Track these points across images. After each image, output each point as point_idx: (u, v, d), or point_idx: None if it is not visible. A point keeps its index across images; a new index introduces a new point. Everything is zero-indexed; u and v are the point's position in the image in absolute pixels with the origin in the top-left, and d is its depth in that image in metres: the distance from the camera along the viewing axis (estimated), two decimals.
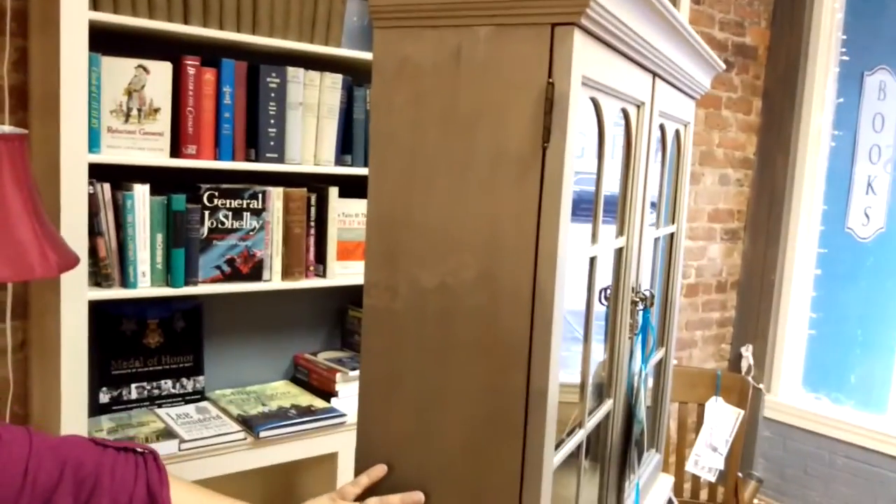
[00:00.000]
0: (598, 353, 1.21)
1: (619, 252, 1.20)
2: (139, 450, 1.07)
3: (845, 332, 3.70)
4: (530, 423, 0.89)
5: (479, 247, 0.91)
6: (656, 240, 1.48)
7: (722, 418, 2.49)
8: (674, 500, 1.59)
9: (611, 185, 1.15)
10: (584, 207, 1.06)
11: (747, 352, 3.77)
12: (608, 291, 1.21)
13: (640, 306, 1.20)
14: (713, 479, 2.48)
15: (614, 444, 1.23)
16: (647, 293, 1.21)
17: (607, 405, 1.19)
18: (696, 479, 2.64)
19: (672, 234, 1.55)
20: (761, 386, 3.71)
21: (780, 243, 3.70)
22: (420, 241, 0.94)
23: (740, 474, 2.57)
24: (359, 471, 1.00)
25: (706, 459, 2.47)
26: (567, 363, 0.94)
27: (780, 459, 3.71)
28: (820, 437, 3.56)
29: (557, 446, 0.98)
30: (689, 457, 2.49)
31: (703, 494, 2.67)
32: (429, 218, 0.94)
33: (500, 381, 0.90)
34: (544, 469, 0.89)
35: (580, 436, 1.07)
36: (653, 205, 1.38)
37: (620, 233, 1.20)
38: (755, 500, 3.59)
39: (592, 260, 1.08)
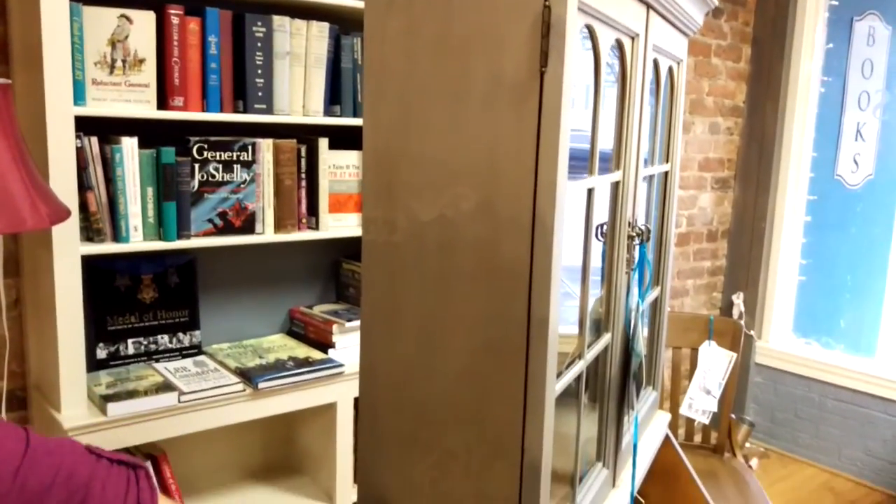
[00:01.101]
0: (596, 289, 1.21)
1: (615, 186, 1.19)
2: (132, 463, 1.06)
3: (835, 278, 3.73)
4: (532, 351, 0.89)
5: (478, 177, 0.90)
6: (650, 178, 1.48)
7: (715, 362, 2.52)
8: (671, 436, 1.61)
9: (605, 134, 1.14)
10: (579, 166, 1.05)
11: (738, 299, 3.80)
12: (604, 228, 1.21)
13: (637, 241, 1.20)
14: (706, 422, 2.51)
15: (613, 378, 1.24)
16: (643, 227, 1.21)
17: (605, 339, 1.20)
18: (690, 423, 2.68)
19: (666, 174, 1.55)
20: (752, 333, 3.75)
21: (770, 191, 3.71)
22: (417, 173, 0.94)
23: (733, 416, 2.61)
24: (363, 401, 1.00)
25: (700, 402, 2.51)
26: (562, 315, 0.94)
27: (770, 404, 3.77)
28: (810, 380, 3.61)
29: (558, 377, 0.98)
30: (682, 401, 2.53)
31: (697, 438, 2.72)
32: (425, 149, 0.93)
33: (501, 309, 0.90)
34: (547, 396, 0.90)
35: (580, 366, 1.08)
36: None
37: (616, 167, 1.19)
38: (747, 444, 3.67)
39: (590, 192, 1.07)
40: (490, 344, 0.91)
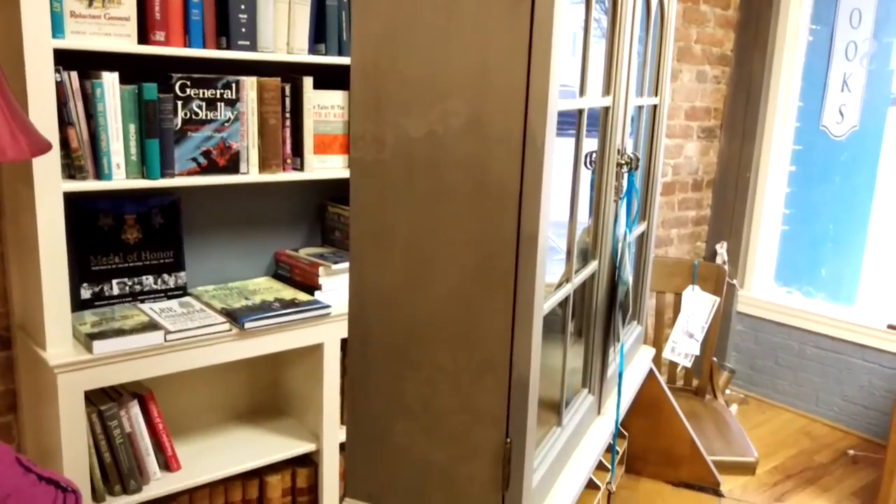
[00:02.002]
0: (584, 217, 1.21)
1: (604, 112, 1.19)
2: (64, 485, 1.01)
3: (817, 228, 3.77)
4: (521, 269, 0.89)
5: (467, 92, 0.89)
6: (639, 110, 1.47)
7: (698, 306, 2.54)
8: (655, 370, 1.63)
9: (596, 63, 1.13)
10: (568, 92, 1.04)
11: (722, 249, 3.83)
12: (594, 156, 1.20)
13: (626, 169, 1.20)
14: (689, 365, 2.55)
15: (599, 306, 1.25)
16: (632, 155, 1.20)
17: (592, 266, 1.20)
18: (672, 367, 2.72)
19: (655, 107, 1.54)
20: (735, 282, 3.79)
21: (756, 140, 3.71)
22: (406, 89, 0.92)
23: (715, 359, 2.65)
24: (353, 320, 0.99)
25: (683, 346, 2.54)
26: (549, 246, 0.94)
27: (751, 352, 3.83)
28: (790, 328, 3.66)
29: (545, 299, 0.99)
30: (665, 346, 2.56)
31: (679, 382, 2.76)
32: (414, 64, 0.91)
33: (491, 227, 0.89)
34: (535, 312, 0.90)
35: (567, 289, 1.08)
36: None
37: (606, 92, 1.18)
38: (727, 391, 3.73)
39: (580, 113, 1.07)
40: (480, 262, 0.91)
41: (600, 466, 1.50)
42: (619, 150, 1.19)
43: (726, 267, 3.52)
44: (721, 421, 2.47)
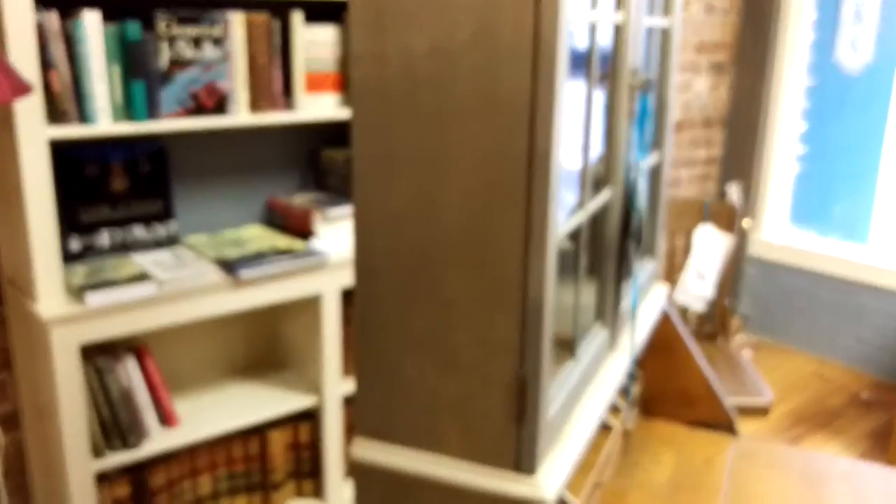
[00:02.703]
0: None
1: (617, 31, 1.09)
2: None
3: (831, 166, 3.67)
4: (534, 189, 0.82)
5: (474, 1, 0.82)
6: (650, 34, 1.38)
7: (710, 245, 2.47)
8: (669, 309, 1.56)
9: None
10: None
11: (733, 189, 3.73)
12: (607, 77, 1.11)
13: (639, 91, 1.11)
14: (701, 308, 2.49)
15: (612, 238, 1.17)
16: (646, 76, 1.11)
17: (606, 193, 1.12)
18: (683, 313, 2.65)
19: (666, 31, 1.44)
20: (746, 225, 3.71)
21: (768, 75, 3.58)
22: (408, 1, 0.84)
23: (727, 302, 2.58)
24: (359, 255, 0.93)
25: (695, 288, 2.47)
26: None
27: (764, 296, 3.76)
28: (804, 271, 3.59)
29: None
30: (677, 288, 2.49)
31: (691, 327, 2.70)
32: None
33: (502, 145, 0.83)
34: (549, 235, 0.83)
35: (580, 216, 1.01)
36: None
37: (619, 6, 1.09)
38: (741, 335, 3.68)
39: (593, 26, 0.98)
40: (490, 183, 0.84)
41: (614, 409, 1.45)
42: (632, 71, 1.10)
43: (738, 206, 3.43)
44: (734, 364, 2.41)
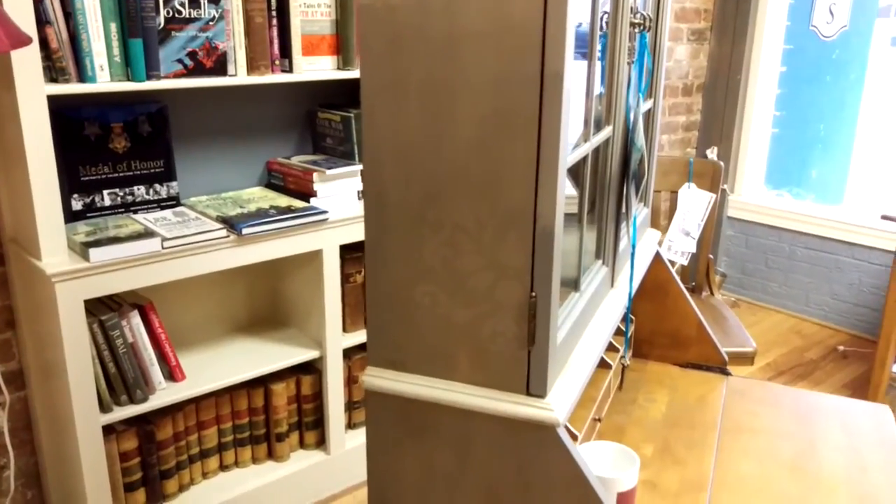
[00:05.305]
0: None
1: None
2: None
3: (807, 129, 3.75)
4: (545, 112, 0.86)
5: None
6: None
7: (694, 203, 2.54)
8: (660, 253, 1.63)
9: None
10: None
11: (712, 154, 3.81)
12: (607, 16, 1.16)
13: (639, 29, 1.16)
14: (685, 262, 2.56)
15: (613, 176, 1.23)
16: (645, 14, 1.16)
17: (606, 131, 1.17)
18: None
19: None
20: (725, 186, 3.79)
21: (747, 41, 3.65)
22: None
23: (711, 256, 2.66)
24: (368, 187, 0.96)
25: (679, 244, 2.54)
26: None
27: (742, 255, 3.86)
28: (780, 230, 3.69)
29: None
30: (662, 243, 2.56)
31: None
32: None
33: (512, 69, 0.86)
34: (560, 160, 0.87)
35: (586, 148, 1.06)
36: None
37: None
38: (719, 294, 3.77)
39: None
40: (501, 108, 0.88)
41: (610, 347, 1.51)
42: (631, 9, 1.15)
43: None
44: (719, 316, 2.49)
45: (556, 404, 0.98)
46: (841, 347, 3.36)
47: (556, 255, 0.92)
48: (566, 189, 0.93)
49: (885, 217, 2.72)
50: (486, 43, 0.87)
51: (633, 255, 1.29)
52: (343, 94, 2.34)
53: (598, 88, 1.19)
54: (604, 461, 1.20)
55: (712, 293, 2.65)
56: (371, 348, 1.05)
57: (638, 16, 1.15)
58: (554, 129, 0.86)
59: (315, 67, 2.10)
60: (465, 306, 0.97)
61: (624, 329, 1.51)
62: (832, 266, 3.54)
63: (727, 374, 1.68)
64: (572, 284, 1.17)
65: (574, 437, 1.14)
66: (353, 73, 2.13)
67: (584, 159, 1.12)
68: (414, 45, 0.90)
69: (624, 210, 1.29)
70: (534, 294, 0.93)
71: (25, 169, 1.65)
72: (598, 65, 1.15)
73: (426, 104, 0.91)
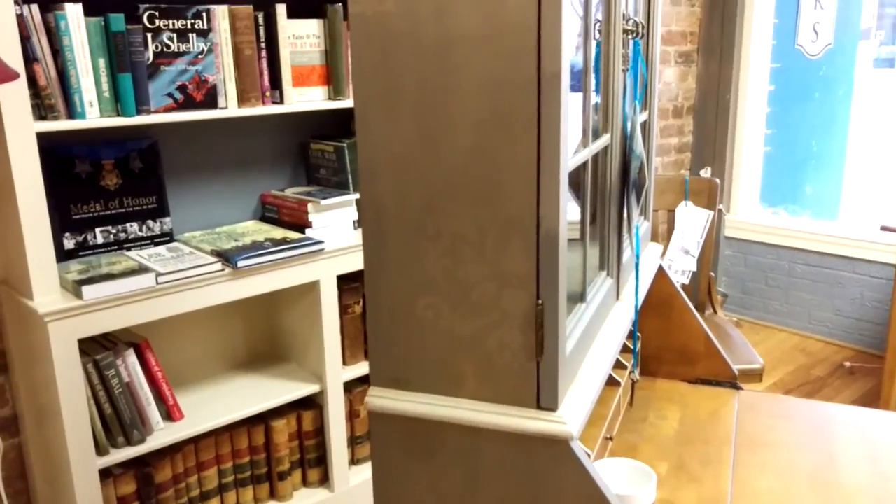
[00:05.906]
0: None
1: None
2: None
3: (799, 146, 3.76)
4: (544, 114, 0.84)
5: None
6: None
7: (692, 221, 2.52)
8: (664, 267, 1.60)
9: None
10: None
11: (706, 174, 3.81)
12: (600, 24, 1.15)
13: (631, 36, 1.15)
14: (686, 281, 2.53)
15: (613, 186, 1.21)
16: (639, 21, 1.16)
17: (605, 139, 1.16)
18: None
19: None
20: (721, 206, 3.78)
21: (734, 61, 3.68)
22: None
23: (712, 273, 2.64)
24: (365, 199, 0.94)
25: (679, 263, 2.52)
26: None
27: (741, 275, 3.84)
28: (779, 248, 3.67)
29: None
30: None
31: None
32: None
33: (508, 71, 0.84)
34: (561, 161, 0.85)
35: (585, 153, 1.04)
36: None
37: None
38: (722, 313, 3.73)
39: None
40: (498, 112, 0.86)
41: (617, 364, 1.47)
42: (624, 16, 1.14)
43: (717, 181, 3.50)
44: (724, 333, 2.46)
45: (569, 417, 0.95)
46: (847, 363, 3.32)
47: (562, 259, 0.89)
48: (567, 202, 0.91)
49: (884, 228, 2.71)
50: (481, 46, 0.85)
51: (637, 264, 1.27)
52: (335, 125, 2.33)
53: (593, 98, 1.18)
54: (618, 478, 1.15)
55: (715, 311, 2.62)
56: (373, 367, 1.02)
57: (630, 23, 1.15)
58: (554, 130, 0.84)
59: (306, 98, 2.10)
60: (469, 318, 0.94)
61: (630, 346, 1.48)
62: (833, 282, 3.52)
63: (738, 388, 1.64)
64: (578, 296, 1.15)
65: (587, 456, 1.10)
66: (345, 103, 2.13)
67: (584, 169, 1.10)
68: (406, 52, 0.88)
69: (626, 219, 1.26)
70: (540, 302, 0.90)
71: (15, 208, 1.63)
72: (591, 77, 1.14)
73: (421, 111, 0.89)
